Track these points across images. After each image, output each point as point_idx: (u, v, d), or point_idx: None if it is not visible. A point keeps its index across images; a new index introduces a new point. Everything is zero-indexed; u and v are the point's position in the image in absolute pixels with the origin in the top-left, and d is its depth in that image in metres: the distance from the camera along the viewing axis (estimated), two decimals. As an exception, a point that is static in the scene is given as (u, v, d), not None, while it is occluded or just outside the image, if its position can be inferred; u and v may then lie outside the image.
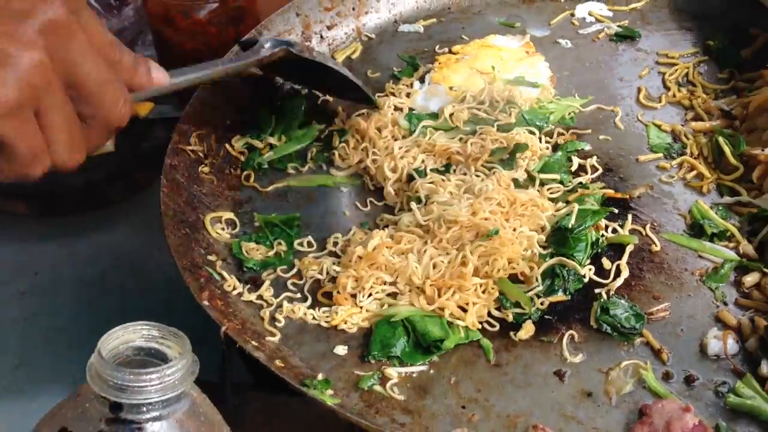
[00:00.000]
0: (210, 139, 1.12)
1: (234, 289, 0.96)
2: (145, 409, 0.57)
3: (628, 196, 1.04)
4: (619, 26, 1.33)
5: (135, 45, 1.46)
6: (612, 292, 0.93)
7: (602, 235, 0.98)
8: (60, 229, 1.18)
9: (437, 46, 1.30)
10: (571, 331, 0.90)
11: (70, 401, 0.60)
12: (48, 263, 1.15)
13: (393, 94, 1.22)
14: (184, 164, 1.07)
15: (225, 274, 0.97)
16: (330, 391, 0.83)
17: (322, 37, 1.31)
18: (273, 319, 0.93)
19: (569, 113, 1.17)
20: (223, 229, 1.04)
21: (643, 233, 0.99)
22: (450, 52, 1.28)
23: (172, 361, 0.58)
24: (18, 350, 1.05)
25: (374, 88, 1.23)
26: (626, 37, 1.31)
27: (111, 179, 1.14)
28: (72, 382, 0.77)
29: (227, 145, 1.13)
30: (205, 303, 0.87)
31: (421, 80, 1.24)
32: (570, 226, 0.96)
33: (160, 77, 0.84)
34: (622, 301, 0.92)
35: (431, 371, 0.88)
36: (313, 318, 0.92)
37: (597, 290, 0.94)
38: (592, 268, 0.95)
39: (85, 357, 0.60)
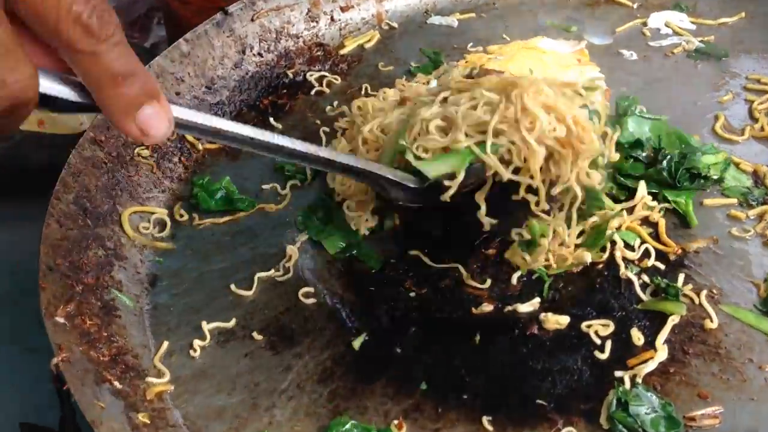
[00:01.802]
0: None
1: (136, 302, 0.72)
2: None
3: (681, 249, 0.76)
4: (701, 41, 1.06)
5: (151, 23, 1.36)
6: (639, 379, 0.65)
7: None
8: (14, 212, 0.99)
9: (470, 44, 1.07)
10: (570, 428, 0.63)
11: None
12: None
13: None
14: (116, 141, 0.85)
15: (126, 283, 0.73)
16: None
17: (332, 18, 1.09)
18: (190, 347, 0.69)
19: (619, 135, 0.90)
20: (147, 228, 0.81)
21: (696, 302, 0.72)
22: (484, 51, 1.03)
23: None
24: None
25: (382, 83, 1.00)
26: (709, 54, 1.04)
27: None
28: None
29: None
30: (57, 320, 0.62)
31: (440, 79, 0.99)
32: None
33: (157, 126, 0.55)
34: (651, 395, 0.64)
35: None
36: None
37: (618, 373, 0.66)
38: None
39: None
